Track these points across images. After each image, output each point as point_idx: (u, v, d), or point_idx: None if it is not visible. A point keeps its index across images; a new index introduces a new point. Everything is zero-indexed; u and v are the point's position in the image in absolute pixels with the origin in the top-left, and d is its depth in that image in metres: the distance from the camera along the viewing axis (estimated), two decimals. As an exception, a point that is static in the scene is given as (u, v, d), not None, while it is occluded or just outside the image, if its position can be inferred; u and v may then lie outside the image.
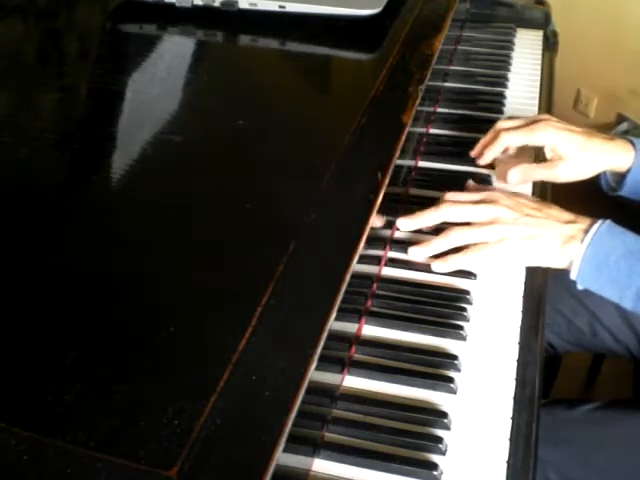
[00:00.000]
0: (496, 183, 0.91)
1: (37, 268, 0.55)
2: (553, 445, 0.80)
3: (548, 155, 0.87)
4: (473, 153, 0.91)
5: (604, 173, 0.89)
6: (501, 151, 0.88)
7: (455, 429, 0.63)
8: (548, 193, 0.91)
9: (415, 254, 0.77)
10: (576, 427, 0.83)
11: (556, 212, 0.76)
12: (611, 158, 0.85)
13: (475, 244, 0.75)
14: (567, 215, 0.75)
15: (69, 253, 0.57)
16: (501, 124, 0.88)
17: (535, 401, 0.66)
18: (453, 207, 0.76)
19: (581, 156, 0.84)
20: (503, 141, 0.87)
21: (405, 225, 0.79)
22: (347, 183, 0.64)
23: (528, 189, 0.90)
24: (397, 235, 0.82)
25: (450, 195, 0.78)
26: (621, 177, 0.86)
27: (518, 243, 0.74)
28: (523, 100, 1.09)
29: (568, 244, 0.73)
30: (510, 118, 0.90)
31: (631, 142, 0.85)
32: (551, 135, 0.85)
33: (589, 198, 0.99)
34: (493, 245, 0.74)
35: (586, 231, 0.73)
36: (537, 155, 0.93)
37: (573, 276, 0.73)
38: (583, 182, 0.87)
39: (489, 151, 0.88)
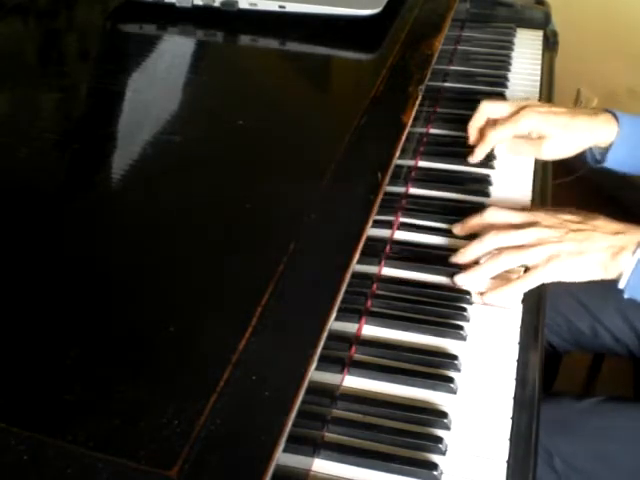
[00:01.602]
0: (496, 184, 0.90)
1: (37, 268, 0.55)
2: (559, 435, 0.81)
3: (534, 136, 0.88)
4: (472, 160, 0.92)
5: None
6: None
7: (455, 429, 0.63)
8: (548, 192, 0.91)
9: (463, 281, 0.76)
10: (582, 417, 0.83)
11: (602, 223, 0.75)
12: (596, 135, 0.86)
13: (523, 271, 0.75)
14: (615, 225, 0.75)
15: (69, 253, 0.57)
16: (485, 107, 0.89)
17: (535, 401, 0.66)
18: (497, 236, 0.75)
19: (566, 135, 0.86)
20: (491, 140, 0.88)
21: (458, 259, 0.77)
22: (347, 183, 0.64)
23: (528, 187, 0.90)
24: (397, 235, 0.82)
25: (491, 214, 0.78)
26: (605, 150, 0.88)
27: (567, 261, 0.73)
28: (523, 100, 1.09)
29: (618, 255, 0.72)
30: (493, 101, 0.91)
31: (614, 115, 0.87)
32: (535, 121, 0.86)
33: (587, 197, 0.99)
34: (543, 267, 0.73)
35: (639, 242, 0.72)
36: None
37: (621, 285, 0.73)
38: (582, 182, 0.88)
39: (479, 150, 0.90)
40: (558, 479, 0.81)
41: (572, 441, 0.81)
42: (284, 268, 0.54)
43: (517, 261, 0.75)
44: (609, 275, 0.74)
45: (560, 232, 0.74)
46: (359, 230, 0.60)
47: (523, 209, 0.80)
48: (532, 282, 0.74)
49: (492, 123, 0.89)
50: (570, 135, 0.86)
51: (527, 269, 0.75)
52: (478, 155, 0.90)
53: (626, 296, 0.74)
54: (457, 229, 0.81)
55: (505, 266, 0.75)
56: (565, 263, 0.73)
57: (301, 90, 0.84)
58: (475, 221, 0.79)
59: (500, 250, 0.75)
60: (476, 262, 0.77)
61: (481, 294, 0.75)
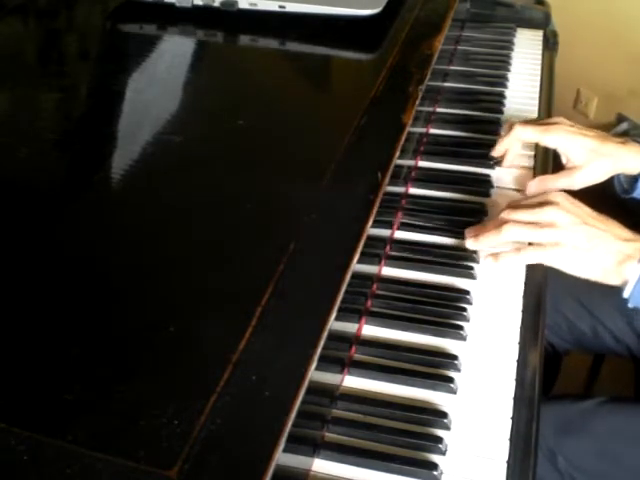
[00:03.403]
0: (497, 184, 0.90)
1: (37, 268, 0.55)
2: (563, 435, 0.81)
3: (564, 160, 0.87)
4: (494, 153, 0.92)
5: (617, 175, 0.89)
6: (514, 144, 0.89)
7: (455, 429, 0.63)
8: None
9: (469, 246, 0.78)
10: (585, 418, 0.83)
11: (616, 227, 0.75)
12: (624, 162, 0.85)
13: (529, 244, 0.75)
14: (626, 232, 0.74)
15: (69, 253, 0.57)
16: (517, 123, 0.89)
17: (535, 401, 0.66)
18: (514, 212, 0.76)
19: (596, 162, 0.84)
20: (516, 134, 0.87)
21: (471, 244, 0.79)
22: (347, 183, 0.64)
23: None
24: (397, 235, 0.82)
25: (511, 205, 0.78)
26: (634, 179, 0.87)
27: (572, 252, 0.73)
28: (523, 100, 1.09)
29: (625, 263, 0.72)
30: (526, 120, 0.91)
31: None
32: (564, 139, 0.85)
33: (595, 200, 0.98)
34: (547, 249, 0.73)
35: None
36: (541, 160, 0.93)
37: (626, 295, 0.73)
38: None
39: (502, 142, 0.89)
40: (561, 479, 0.81)
41: (575, 441, 0.81)
42: (284, 268, 0.54)
43: (521, 237, 0.75)
44: (609, 280, 0.73)
45: (576, 220, 0.73)
46: (359, 230, 0.60)
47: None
48: (530, 259, 0.75)
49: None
50: (598, 162, 0.84)
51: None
52: (500, 148, 0.90)
53: (630, 305, 0.74)
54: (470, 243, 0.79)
55: (507, 240, 0.76)
56: (569, 254, 0.73)
57: (301, 90, 0.84)
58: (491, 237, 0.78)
59: (505, 221, 0.75)
60: None
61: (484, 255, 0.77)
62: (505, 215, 0.76)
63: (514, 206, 0.77)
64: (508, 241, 0.76)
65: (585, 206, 0.76)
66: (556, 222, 0.73)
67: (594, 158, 0.84)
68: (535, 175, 0.92)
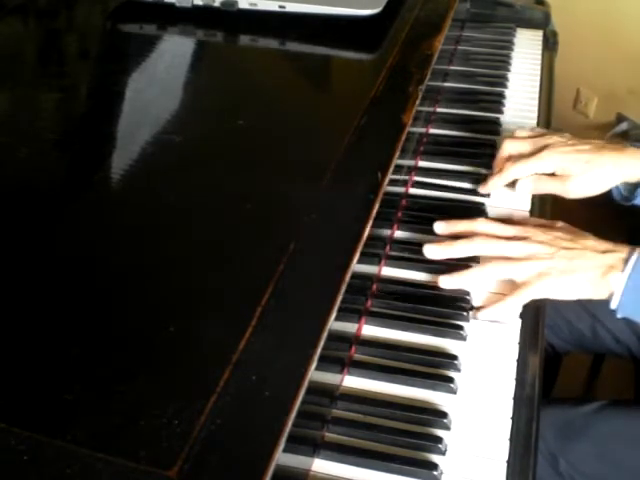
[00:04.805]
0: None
1: (37, 268, 0.55)
2: (564, 438, 0.81)
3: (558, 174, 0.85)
4: (484, 190, 0.88)
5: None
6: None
7: (455, 429, 0.63)
8: (548, 202, 0.90)
9: (447, 284, 0.75)
10: (586, 421, 0.83)
11: (592, 242, 0.74)
12: (623, 170, 0.84)
13: (514, 287, 0.74)
14: (604, 244, 0.74)
15: (69, 253, 0.57)
16: (507, 146, 0.86)
17: (535, 401, 0.66)
18: (487, 242, 0.75)
19: (591, 173, 0.83)
20: (509, 175, 0.85)
21: (431, 252, 0.76)
22: (347, 183, 0.64)
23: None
24: (397, 235, 0.82)
25: (481, 225, 0.77)
26: (634, 186, 0.85)
27: (557, 278, 0.72)
28: (523, 100, 1.09)
29: (608, 274, 0.71)
30: (513, 137, 0.89)
31: None
32: (558, 160, 0.83)
33: (594, 207, 0.98)
34: (533, 284, 0.73)
35: (626, 260, 0.71)
36: None
37: (613, 306, 0.72)
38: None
39: (494, 181, 0.86)
40: None
41: (577, 444, 0.81)
42: (284, 268, 0.54)
43: (504, 273, 0.74)
44: (598, 295, 0.73)
45: (551, 249, 0.73)
46: (359, 230, 0.60)
47: (515, 223, 0.79)
48: (522, 298, 0.73)
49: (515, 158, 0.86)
50: (595, 172, 0.83)
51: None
52: (491, 186, 0.87)
53: (619, 316, 0.73)
54: (440, 227, 0.78)
55: (491, 276, 0.75)
56: (555, 281, 0.73)
57: (301, 90, 0.84)
58: (463, 226, 0.78)
59: (487, 260, 0.74)
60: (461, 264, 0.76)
61: (476, 310, 0.74)
62: (481, 247, 0.75)
63: (486, 236, 0.75)
64: (489, 279, 0.75)
65: (555, 230, 0.76)
66: (532, 254, 0.73)
67: (589, 169, 0.83)
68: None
